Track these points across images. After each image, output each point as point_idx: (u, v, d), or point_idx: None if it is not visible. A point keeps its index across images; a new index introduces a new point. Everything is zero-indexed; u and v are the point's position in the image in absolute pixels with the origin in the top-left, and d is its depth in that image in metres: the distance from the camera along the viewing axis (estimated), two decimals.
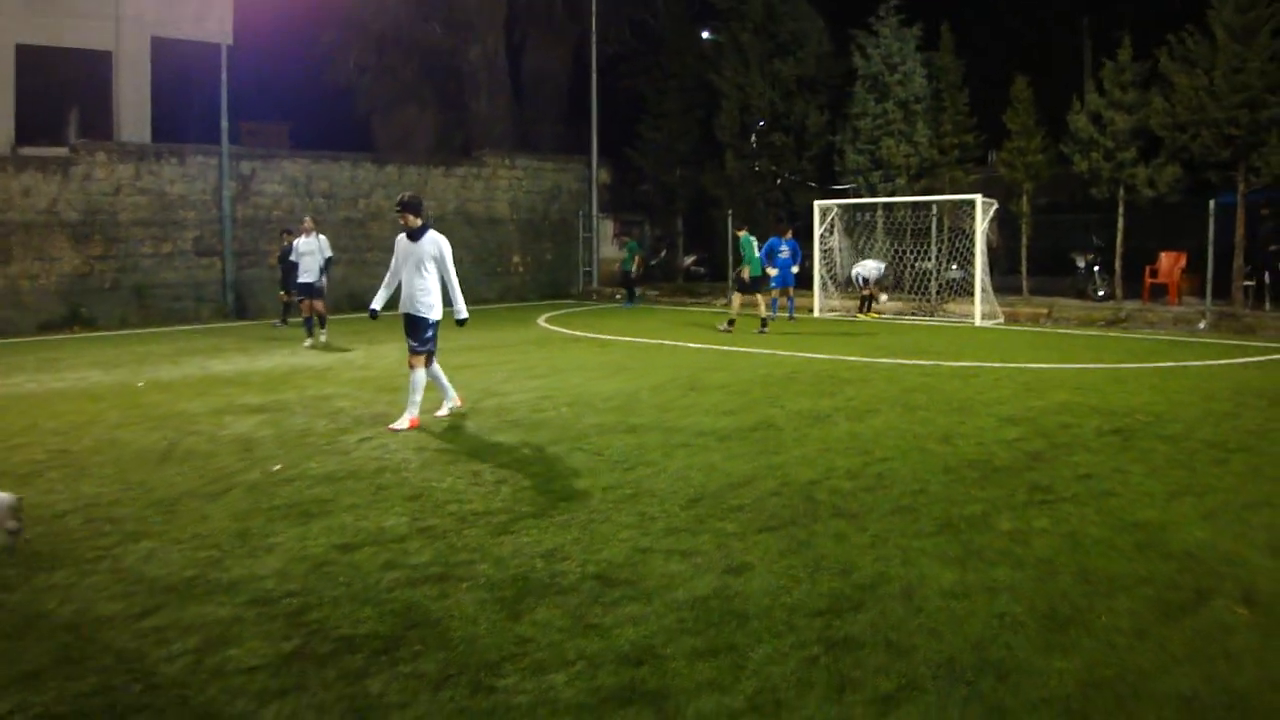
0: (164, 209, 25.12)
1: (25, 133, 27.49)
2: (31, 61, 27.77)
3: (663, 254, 34.77)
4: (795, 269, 23.30)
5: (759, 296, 21.52)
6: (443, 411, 11.19)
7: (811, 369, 15.01)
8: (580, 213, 32.62)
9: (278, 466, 8.94)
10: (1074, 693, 4.56)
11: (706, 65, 31.53)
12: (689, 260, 34.06)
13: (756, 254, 21.09)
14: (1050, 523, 7.10)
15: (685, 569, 6.18)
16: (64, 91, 29.12)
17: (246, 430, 10.61)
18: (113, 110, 29.07)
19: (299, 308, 20.03)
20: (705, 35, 33.68)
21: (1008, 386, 13.20)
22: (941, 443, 9.77)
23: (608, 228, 34.41)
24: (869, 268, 24.10)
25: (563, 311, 25.47)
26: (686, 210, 33.61)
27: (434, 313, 10.76)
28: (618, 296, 29.77)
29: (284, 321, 23.11)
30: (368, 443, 9.94)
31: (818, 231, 24.86)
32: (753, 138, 30.19)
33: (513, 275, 30.54)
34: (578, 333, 20.99)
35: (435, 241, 10.70)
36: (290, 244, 21.32)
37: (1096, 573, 6.07)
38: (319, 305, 19.06)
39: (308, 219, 19.64)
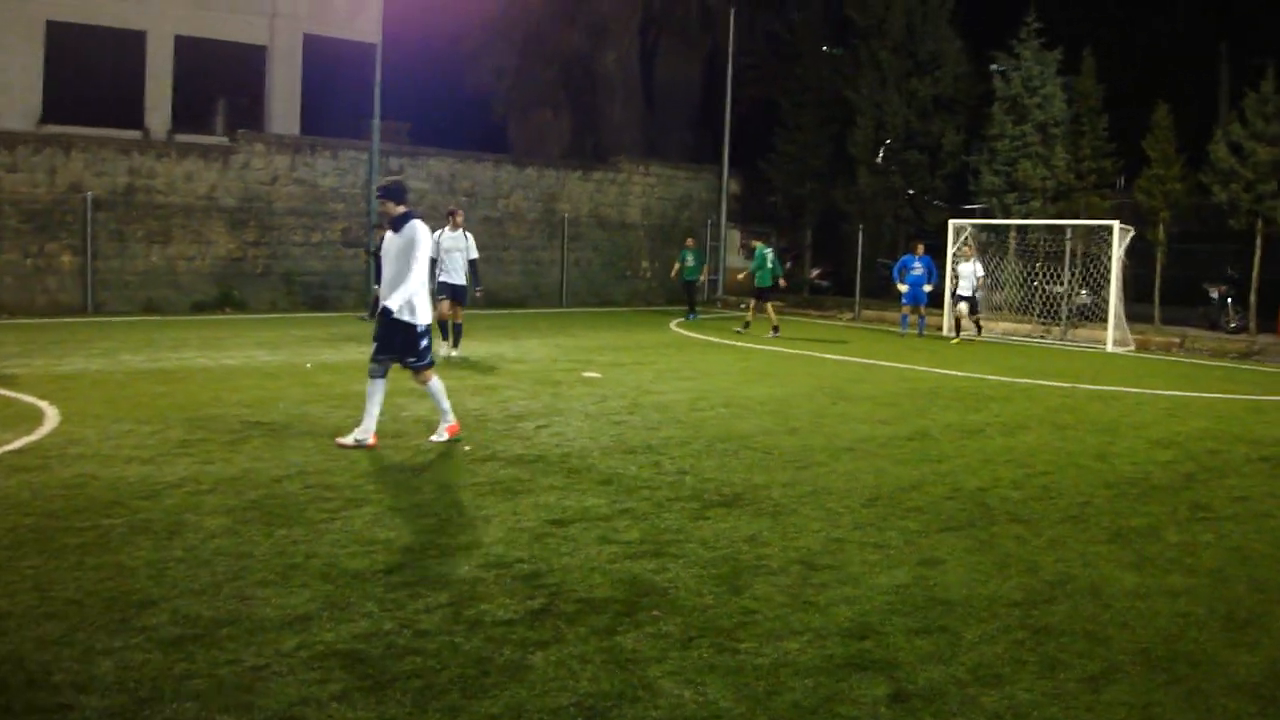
0: (315, 200, 26.07)
1: (179, 120, 28.75)
2: (189, 52, 29.00)
3: (787, 266, 34.99)
4: (929, 287, 23.39)
5: (768, 306, 22.97)
6: (346, 439, 9.37)
7: (951, 385, 15.21)
8: (709, 222, 33.00)
9: (468, 447, 9.44)
10: (1262, 681, 4.89)
11: (843, 81, 31.72)
12: (815, 273, 34.25)
13: (768, 265, 22.91)
14: (1215, 537, 7.40)
15: (880, 559, 6.55)
16: (217, 83, 30.34)
17: (425, 412, 11.14)
18: (264, 103, 30.22)
19: (438, 308, 17.82)
20: (827, 49, 33.85)
21: (1149, 411, 13.33)
22: (1097, 460, 10.00)
23: (735, 237, 34.76)
24: (965, 275, 23.36)
25: (692, 317, 25.84)
26: (816, 223, 33.81)
27: (417, 316, 9.31)
28: (742, 306, 29.93)
29: (371, 316, 23.02)
30: (544, 430, 10.42)
31: (951, 250, 24.93)
32: (879, 155, 30.31)
33: (640, 280, 31.06)
34: (711, 338, 21.35)
35: (412, 228, 9.27)
36: (383, 238, 21.84)
37: (1268, 583, 6.39)
38: (458, 312, 16.64)
39: (460, 212, 17.09)
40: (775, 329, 22.31)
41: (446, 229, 16.36)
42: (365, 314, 22.57)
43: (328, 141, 26.96)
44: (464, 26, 34.03)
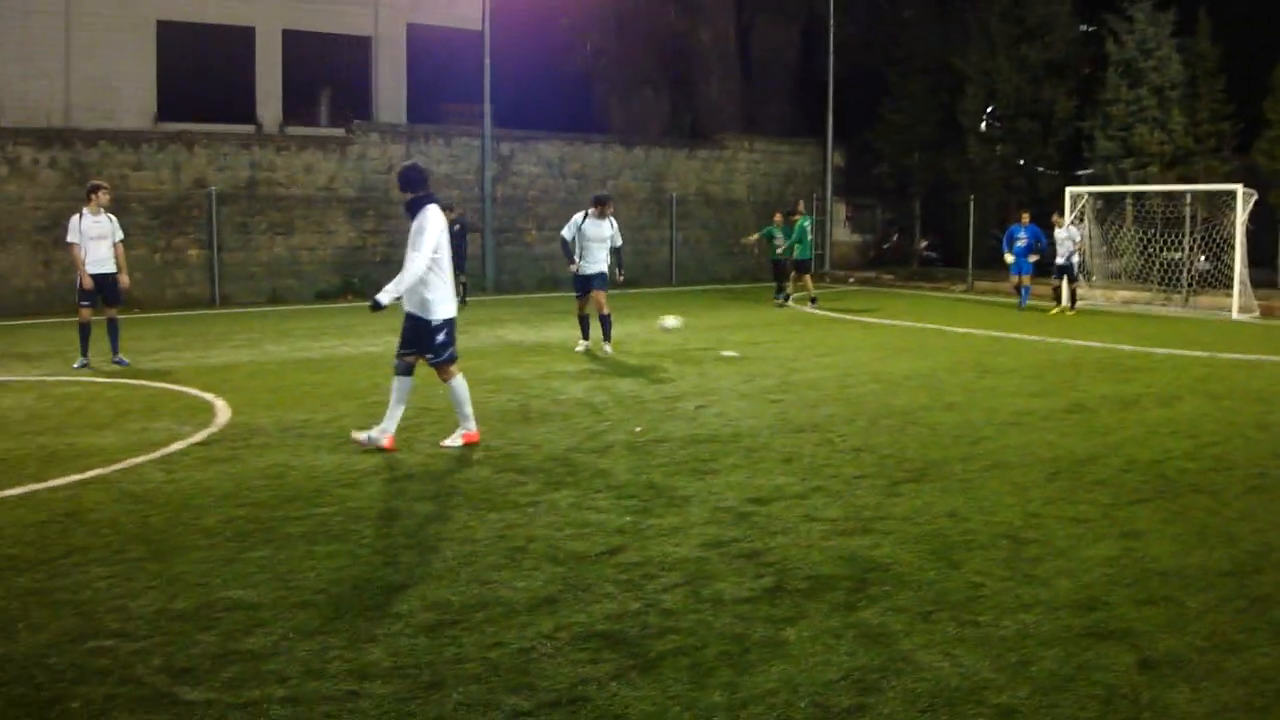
0: (431, 187, 26.32)
1: (289, 113, 29.25)
2: (296, 46, 29.47)
3: (895, 238, 34.69)
4: (1034, 257, 22.96)
5: (806, 278, 23.02)
6: (360, 435, 8.95)
7: (1091, 356, 14.99)
8: (814, 195, 32.80)
9: (639, 429, 9.54)
10: None
11: (951, 48, 31.24)
12: (923, 245, 33.89)
13: (809, 237, 23.07)
14: None
15: (1084, 532, 6.53)
16: (325, 74, 30.81)
17: (582, 395, 11.29)
18: (371, 93, 30.61)
19: (577, 302, 15.79)
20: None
21: None
22: (1259, 430, 9.85)
23: (841, 211, 34.52)
24: (1060, 241, 22.40)
25: (806, 292, 25.71)
26: (924, 194, 33.41)
27: (438, 310, 8.80)
28: (851, 280, 29.69)
29: (463, 302, 22.66)
30: (705, 410, 10.49)
31: (1068, 219, 24.50)
32: (982, 124, 29.86)
33: (747, 256, 30.91)
34: (831, 313, 21.24)
35: (421, 215, 8.72)
36: (453, 223, 21.99)
37: None
38: (601, 299, 15.00)
39: (609, 202, 15.56)
40: (814, 300, 22.78)
41: (590, 216, 15.11)
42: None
43: (440, 129, 27.30)
44: (561, 8, 34.11)
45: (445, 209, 21.94)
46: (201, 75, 28.10)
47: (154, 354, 14.94)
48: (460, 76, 29.99)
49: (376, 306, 8.65)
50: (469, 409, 9.00)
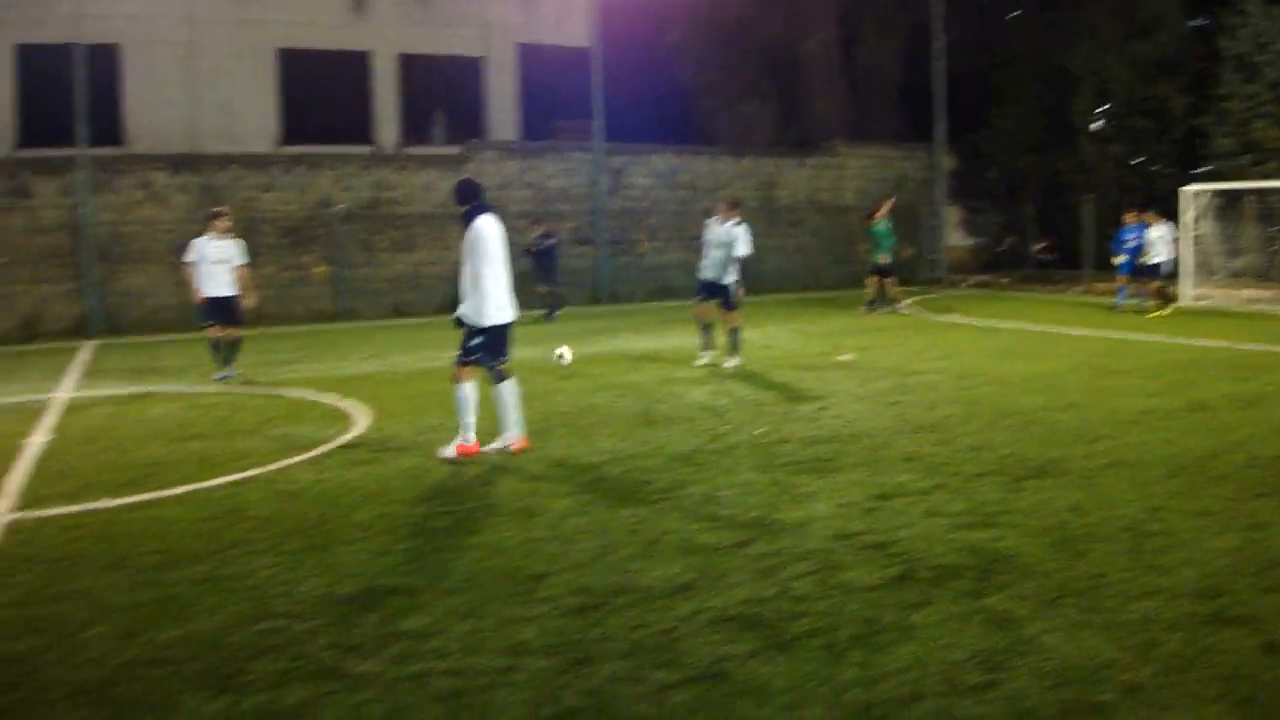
0: (544, 201, 26.94)
1: (406, 134, 30.07)
2: (410, 68, 30.30)
3: (1009, 241, 34.37)
4: (1136, 258, 22.53)
5: (885, 282, 22.61)
6: (494, 445, 9.15)
7: (1212, 355, 14.82)
8: (925, 201, 32.69)
9: (761, 430, 9.79)
10: None
11: (1058, 49, 30.91)
12: (1037, 247, 33.51)
13: (888, 241, 22.69)
14: None
15: (1206, 524, 6.61)
16: (439, 95, 31.59)
17: (703, 399, 11.56)
18: (484, 111, 31.31)
19: (694, 312, 15.18)
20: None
21: None
22: None
23: (954, 215, 34.32)
24: (1153, 241, 21.80)
25: (918, 297, 25.68)
26: (1037, 196, 33.05)
27: (478, 317, 8.95)
28: (966, 284, 29.39)
29: (547, 317, 22.61)
30: (825, 411, 10.69)
31: (1186, 218, 24.12)
32: (1094, 124, 29.48)
33: (856, 262, 30.88)
34: (945, 318, 21.22)
35: (474, 226, 8.90)
36: (543, 236, 22.50)
37: None
38: (732, 315, 14.41)
39: (734, 204, 14.72)
40: (871, 304, 22.69)
41: (716, 222, 14.44)
42: (545, 312, 22.79)
43: (554, 145, 27.88)
44: (666, 23, 34.52)
45: (535, 224, 22.49)
46: (321, 99, 29.04)
47: (290, 365, 15.60)
48: (570, 93, 30.53)
49: (460, 323, 9.02)
50: (470, 419, 9.01)
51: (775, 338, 17.85)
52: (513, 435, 9.12)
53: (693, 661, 4.64)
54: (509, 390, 9.11)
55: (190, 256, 14.21)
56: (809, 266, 30.84)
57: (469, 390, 8.98)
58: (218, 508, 7.61)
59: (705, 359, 14.51)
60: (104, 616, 5.49)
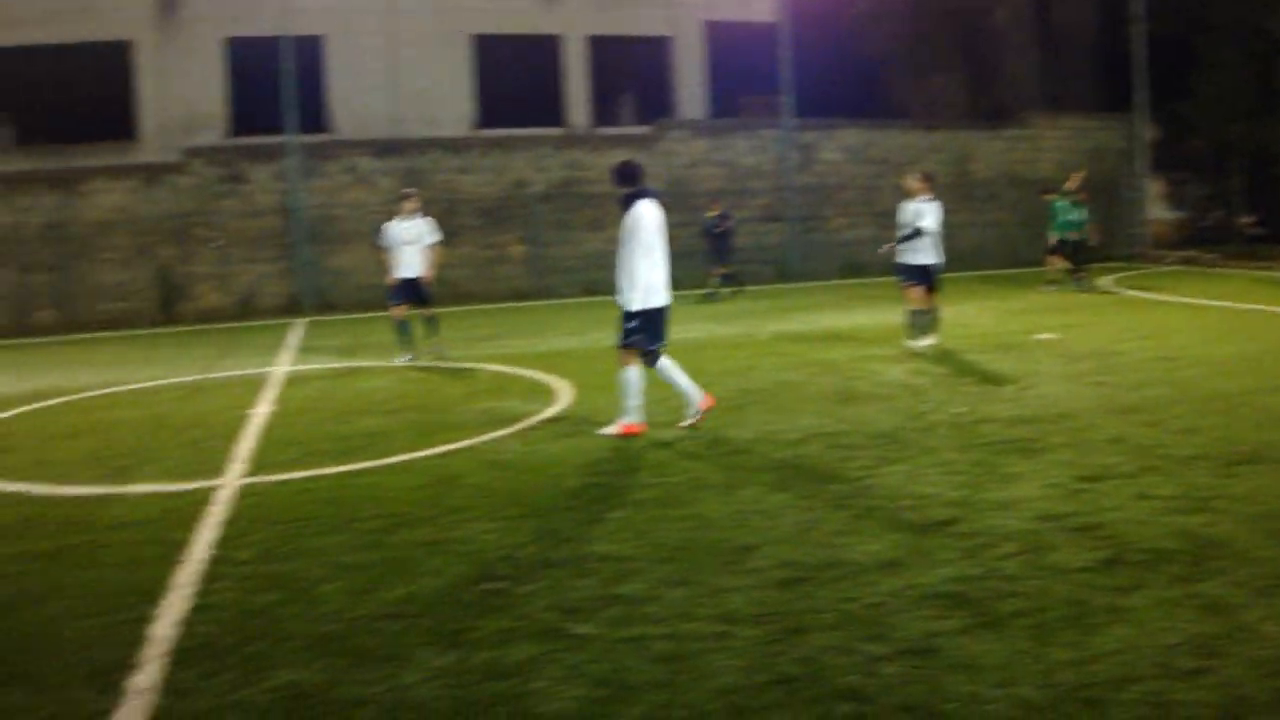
0: (735, 179, 27.09)
1: (596, 115, 30.53)
2: (600, 50, 30.71)
3: (1213, 215, 32.91)
4: None
5: (1053, 259, 21.93)
6: (686, 422, 9.38)
7: None
8: (1125, 172, 31.57)
9: (962, 409, 9.73)
10: None
11: (1265, 11, 29.36)
12: (1245, 221, 32.01)
13: (1064, 218, 21.78)
14: None
15: None
16: (628, 76, 31.96)
17: (901, 377, 11.53)
18: (673, 90, 31.54)
19: (908, 296, 14.15)
20: None
21: None
22: None
23: (1155, 188, 33.05)
24: None
25: (1119, 274, 24.86)
26: (1245, 167, 31.52)
27: (635, 300, 8.98)
28: (1170, 260, 28.21)
29: (716, 294, 22.80)
30: (1027, 391, 10.53)
31: None
32: None
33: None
34: (1147, 295, 20.50)
35: (633, 210, 8.95)
36: (720, 216, 22.35)
37: None
38: (928, 297, 13.88)
39: (916, 178, 14.21)
40: (1051, 283, 22.01)
41: (914, 201, 13.79)
42: (712, 292, 22.85)
43: (744, 122, 27.98)
44: None
45: (712, 203, 22.57)
46: (514, 83, 29.72)
47: (490, 341, 16.15)
48: (757, 68, 30.52)
49: (630, 316, 9.02)
50: (635, 402, 9.08)
51: (972, 316, 17.58)
52: (695, 401, 9.30)
53: (902, 636, 4.71)
54: (667, 366, 9.25)
55: (384, 241, 14.44)
56: (1005, 243, 30.12)
57: (632, 374, 9.07)
58: (434, 476, 8.02)
59: (920, 344, 13.57)
60: (336, 574, 5.87)
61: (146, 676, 4.65)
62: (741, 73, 31.68)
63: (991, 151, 30.30)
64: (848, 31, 35.31)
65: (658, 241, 9.00)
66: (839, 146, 28.37)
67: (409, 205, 14.43)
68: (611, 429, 9.15)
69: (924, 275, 13.76)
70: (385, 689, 4.40)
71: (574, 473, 7.89)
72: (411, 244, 14.24)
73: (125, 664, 4.79)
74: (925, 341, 13.58)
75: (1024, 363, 12.34)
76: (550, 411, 10.36)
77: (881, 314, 17.88)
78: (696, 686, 4.29)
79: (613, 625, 4.95)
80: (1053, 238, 22.14)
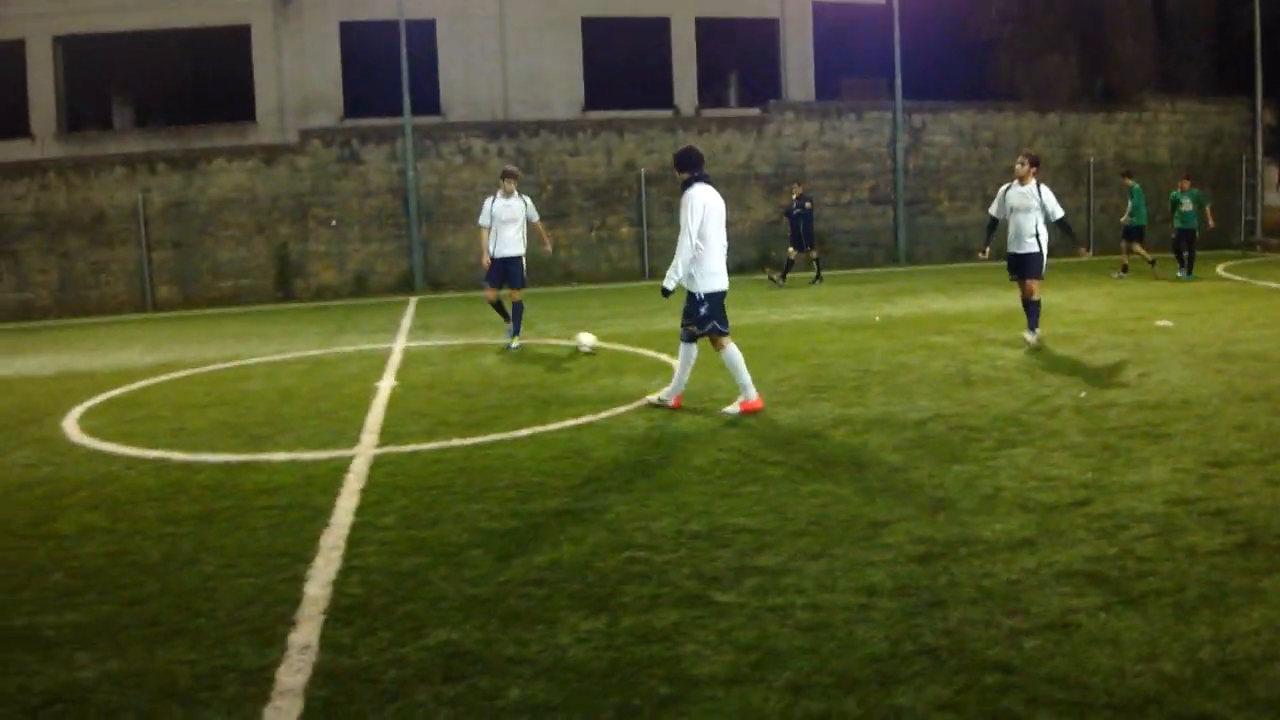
0: (844, 161, 27.00)
1: (703, 97, 30.57)
2: (707, 32, 30.72)
3: None
4: None
5: (1136, 246, 21.66)
6: (652, 397, 9.88)
7: None
8: (1243, 158, 30.81)
9: (1084, 394, 9.68)
10: None
11: None
12: None
13: (1137, 202, 21.59)
14: None
15: None
16: (734, 57, 31.94)
17: (1019, 361, 11.49)
18: (779, 72, 31.46)
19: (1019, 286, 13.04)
20: None
21: None
22: None
23: (1272, 174, 32.19)
24: None
25: (1236, 261, 24.32)
26: None
27: (694, 284, 9.24)
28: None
29: (781, 278, 22.69)
30: (1149, 378, 10.43)
31: None
32: None
33: (1169, 224, 29.56)
34: (1265, 284, 20.05)
35: (686, 197, 9.25)
36: (800, 199, 22.16)
37: None
38: (1030, 287, 12.72)
39: (1024, 163, 12.94)
40: (1125, 269, 21.96)
41: (1015, 184, 12.81)
42: (777, 275, 22.78)
43: (852, 105, 27.84)
44: None
45: (794, 185, 22.41)
46: (623, 65, 29.88)
47: (603, 321, 16.34)
48: (864, 50, 30.35)
49: (665, 294, 9.40)
50: (746, 378, 9.29)
51: (1087, 302, 17.38)
52: (672, 391, 9.65)
53: (1042, 611, 4.78)
54: (691, 352, 9.54)
55: (483, 219, 13.99)
56: (1118, 228, 29.59)
57: (730, 352, 9.29)
58: (563, 449, 8.24)
59: (1032, 339, 12.62)
60: (479, 540, 6.09)
61: (305, 633, 4.88)
62: (846, 54, 31.52)
63: (1105, 135, 29.76)
64: (956, 11, 34.90)
65: (712, 227, 9.21)
66: (949, 129, 28.10)
67: (509, 183, 13.98)
68: (731, 408, 9.33)
69: (1022, 265, 12.74)
70: (541, 649, 4.59)
71: (700, 449, 8.04)
72: (511, 223, 13.82)
73: (283, 621, 5.04)
74: (1029, 335, 12.68)
75: (1143, 349, 12.20)
76: (670, 389, 10.49)
77: (992, 299, 17.77)
78: (842, 654, 4.41)
79: (754, 594, 5.09)
80: (1129, 219, 21.82)
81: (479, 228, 14.20)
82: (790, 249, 22.82)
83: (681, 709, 4.02)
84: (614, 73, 29.68)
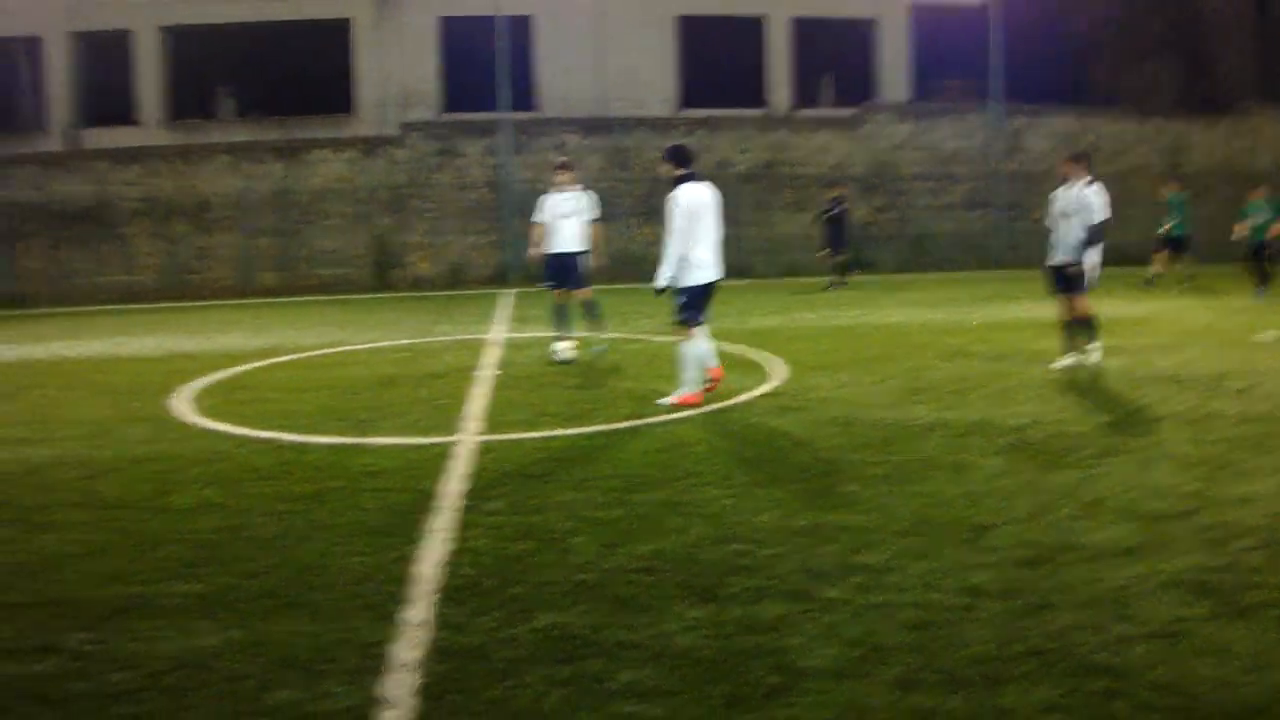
0: (939, 164, 26.80)
1: (797, 97, 30.47)
2: (803, 32, 30.63)
3: None
4: None
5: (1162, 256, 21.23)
6: (667, 400, 9.88)
7: None
8: None
9: (1188, 404, 9.56)
10: None
11: None
12: None
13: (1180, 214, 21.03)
14: None
15: None
16: (828, 58, 31.78)
17: (1118, 370, 11.37)
18: (874, 73, 31.28)
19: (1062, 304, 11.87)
20: None
21: None
22: None
23: None
24: None
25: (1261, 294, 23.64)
26: None
27: (683, 277, 9.59)
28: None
29: (843, 282, 22.48)
30: (1254, 389, 10.23)
31: None
32: None
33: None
34: None
35: (671, 195, 9.53)
36: (834, 201, 21.86)
37: None
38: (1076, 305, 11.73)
39: (1070, 164, 11.96)
40: (1151, 281, 21.26)
41: (1072, 188, 11.67)
42: (838, 281, 22.58)
43: (949, 107, 27.63)
44: None
45: (831, 186, 22.03)
46: (717, 64, 29.92)
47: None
48: (961, 51, 30.04)
49: (657, 292, 9.65)
50: (692, 374, 9.64)
51: (1188, 311, 17.10)
52: (689, 390, 9.76)
53: (1149, 619, 4.77)
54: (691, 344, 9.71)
55: (538, 215, 13.15)
56: (1222, 237, 28.98)
57: (690, 346, 9.67)
58: (663, 441, 8.34)
59: (1068, 361, 11.67)
60: (583, 528, 6.20)
61: (418, 611, 5.03)
62: (942, 55, 31.24)
63: (1207, 142, 29.20)
64: (1056, 14, 34.41)
65: (703, 224, 9.57)
66: (1047, 133, 27.76)
67: (564, 176, 13.07)
68: (669, 399, 9.75)
69: (1076, 279, 11.53)
70: (649, 635, 4.68)
71: (798, 446, 8.10)
72: (568, 217, 12.93)
73: (396, 598, 5.19)
74: (1069, 361, 11.55)
75: (1246, 361, 11.99)
76: (766, 387, 10.61)
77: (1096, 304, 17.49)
78: (948, 653, 4.45)
79: (859, 591, 5.13)
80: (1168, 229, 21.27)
81: (533, 223, 13.36)
82: (827, 251, 22.54)
83: (790, 699, 4.08)
84: (709, 71, 29.74)
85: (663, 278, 9.53)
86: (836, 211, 22.33)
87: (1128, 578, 5.27)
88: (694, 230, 9.46)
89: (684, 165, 9.64)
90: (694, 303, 9.58)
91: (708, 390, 9.82)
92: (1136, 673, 4.27)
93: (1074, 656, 4.42)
